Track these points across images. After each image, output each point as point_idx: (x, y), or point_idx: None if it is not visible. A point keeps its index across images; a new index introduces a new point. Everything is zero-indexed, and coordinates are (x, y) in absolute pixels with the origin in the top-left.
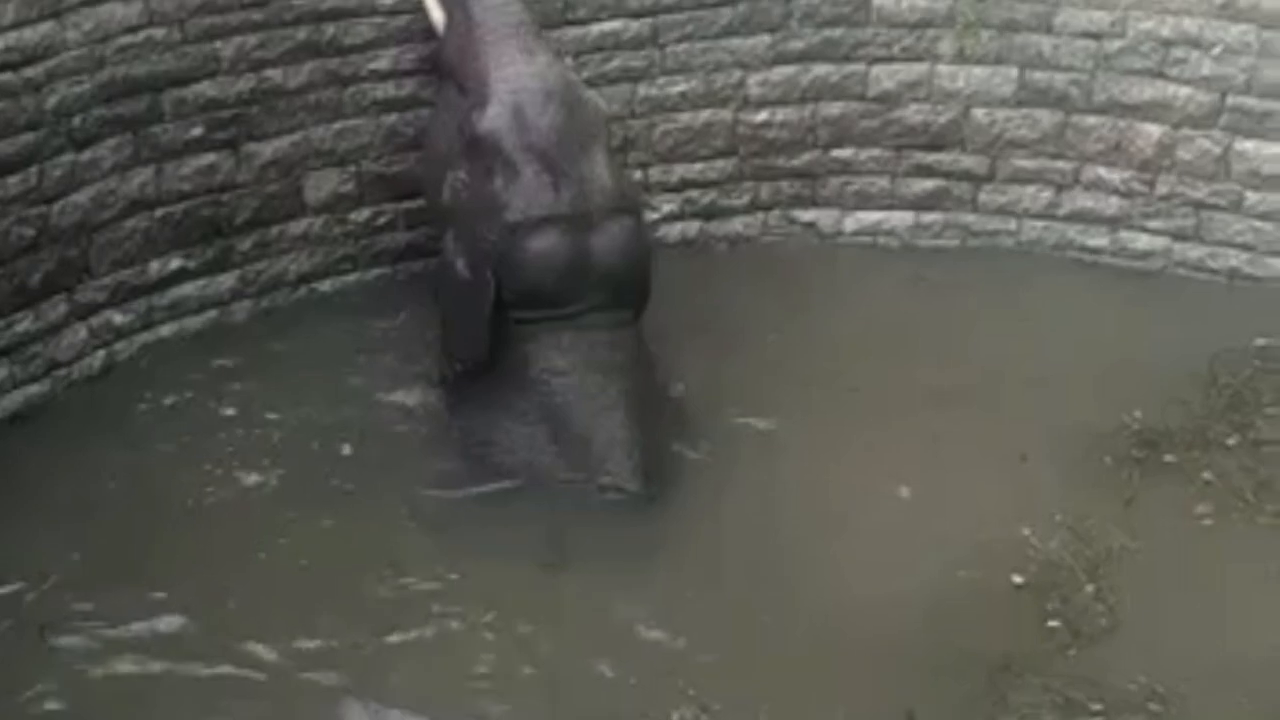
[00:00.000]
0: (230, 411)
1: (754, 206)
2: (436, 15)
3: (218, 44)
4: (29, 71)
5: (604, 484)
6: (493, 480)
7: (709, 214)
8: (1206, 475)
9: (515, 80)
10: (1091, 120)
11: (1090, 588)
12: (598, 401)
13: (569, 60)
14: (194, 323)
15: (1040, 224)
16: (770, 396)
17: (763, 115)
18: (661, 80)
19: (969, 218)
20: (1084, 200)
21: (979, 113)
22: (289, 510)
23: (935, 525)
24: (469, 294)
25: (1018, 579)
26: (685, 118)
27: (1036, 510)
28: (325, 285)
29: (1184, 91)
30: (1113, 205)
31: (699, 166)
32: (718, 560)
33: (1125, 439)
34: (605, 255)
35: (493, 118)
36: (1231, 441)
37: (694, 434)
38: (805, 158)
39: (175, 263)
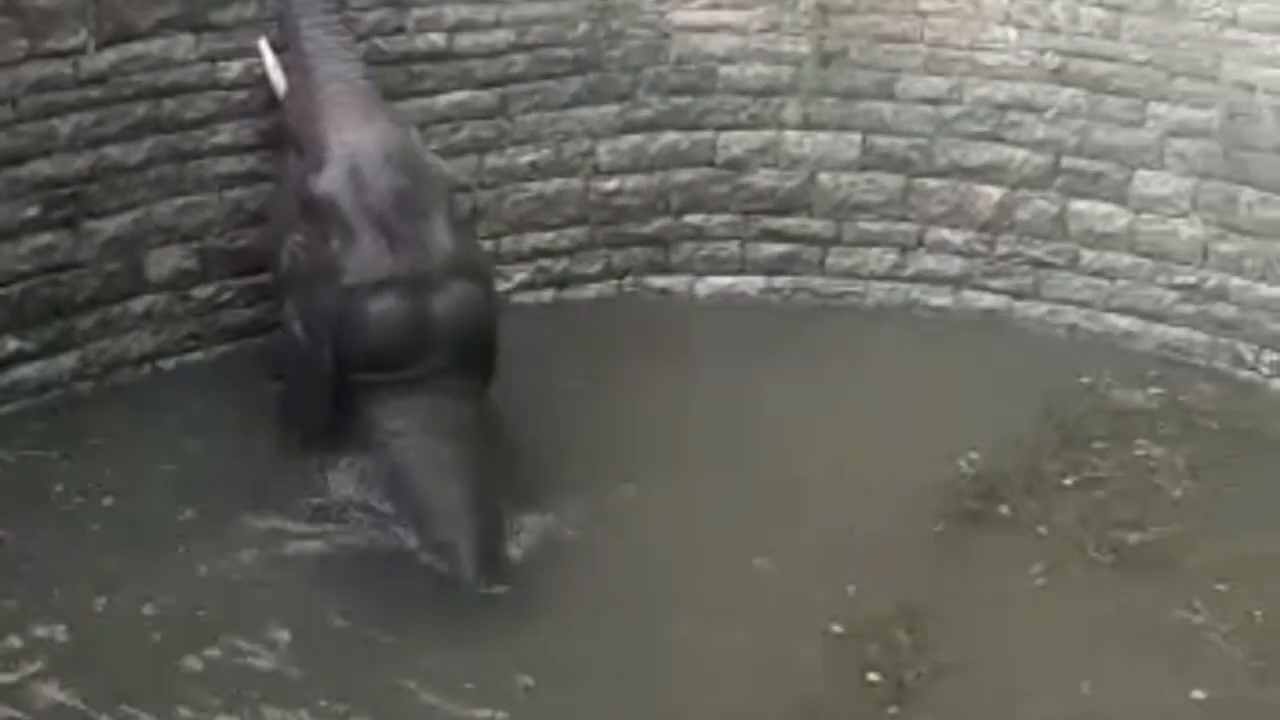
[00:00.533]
0: (60, 489)
1: (607, 274)
2: (278, 80)
3: (54, 121)
4: None
5: (441, 570)
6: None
7: (562, 282)
8: (1041, 529)
9: (353, 144)
10: (933, 183)
11: (909, 643)
12: (438, 468)
13: (414, 129)
14: (34, 403)
15: (887, 285)
16: (623, 462)
17: (613, 183)
18: (511, 150)
19: (818, 281)
20: (928, 261)
21: (825, 177)
22: (118, 571)
23: (773, 590)
24: (307, 358)
25: (837, 628)
26: (535, 187)
27: (868, 572)
28: (169, 363)
29: (1020, 154)
30: (956, 265)
31: (550, 235)
32: (565, 644)
33: (963, 488)
34: (445, 318)
35: (329, 180)
36: (1068, 481)
37: (546, 500)
38: (657, 224)
39: (13, 344)
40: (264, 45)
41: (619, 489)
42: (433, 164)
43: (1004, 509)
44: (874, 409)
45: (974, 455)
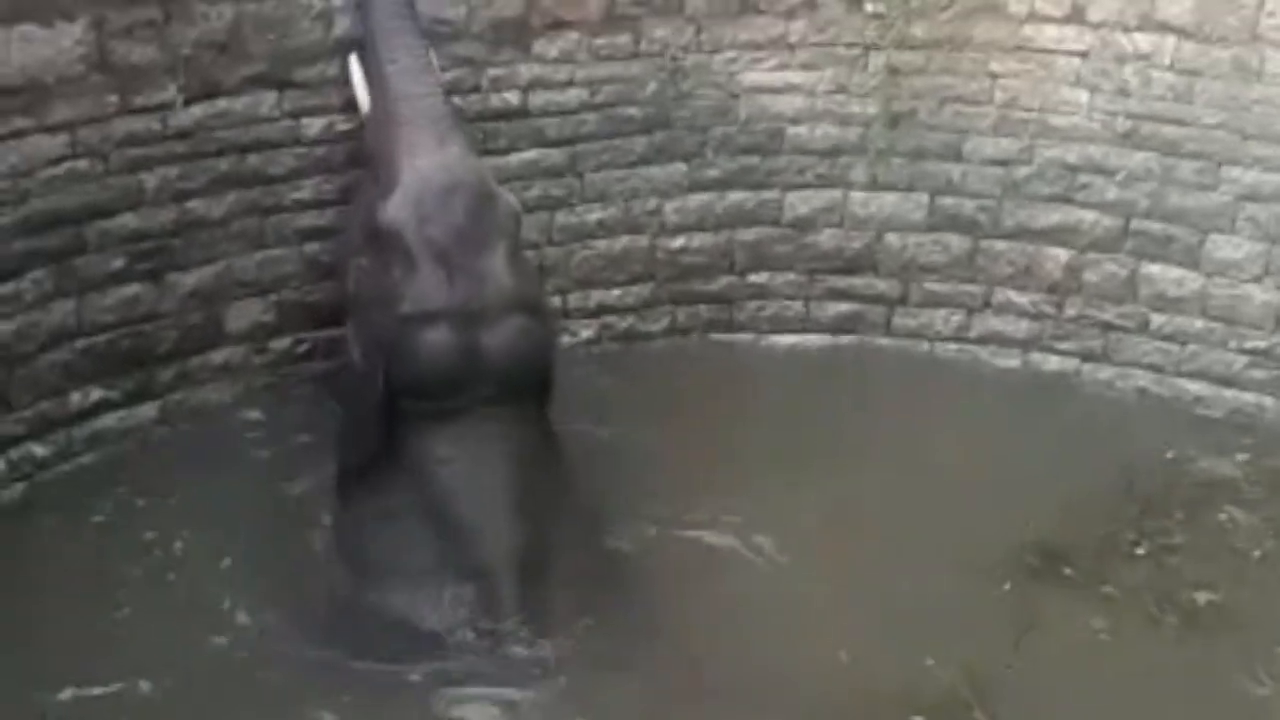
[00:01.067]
0: (149, 537)
1: (672, 330)
2: (363, 98)
3: (142, 175)
4: None
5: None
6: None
7: (627, 338)
8: (1108, 589)
9: (422, 172)
10: (1001, 245)
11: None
12: (482, 500)
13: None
14: (114, 452)
15: (953, 346)
16: (680, 516)
17: (680, 241)
18: (580, 208)
19: (883, 341)
20: (995, 323)
21: (891, 237)
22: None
23: (838, 652)
24: (362, 383)
25: (898, 687)
26: (603, 244)
27: (933, 632)
28: (248, 414)
29: (1090, 216)
30: (1023, 327)
31: (616, 292)
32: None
33: (1030, 550)
34: (497, 352)
35: (395, 208)
36: (1140, 551)
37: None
38: (722, 282)
39: (96, 394)
40: (353, 61)
41: (677, 541)
42: (500, 195)
43: (1072, 571)
44: (941, 469)
45: (1043, 517)
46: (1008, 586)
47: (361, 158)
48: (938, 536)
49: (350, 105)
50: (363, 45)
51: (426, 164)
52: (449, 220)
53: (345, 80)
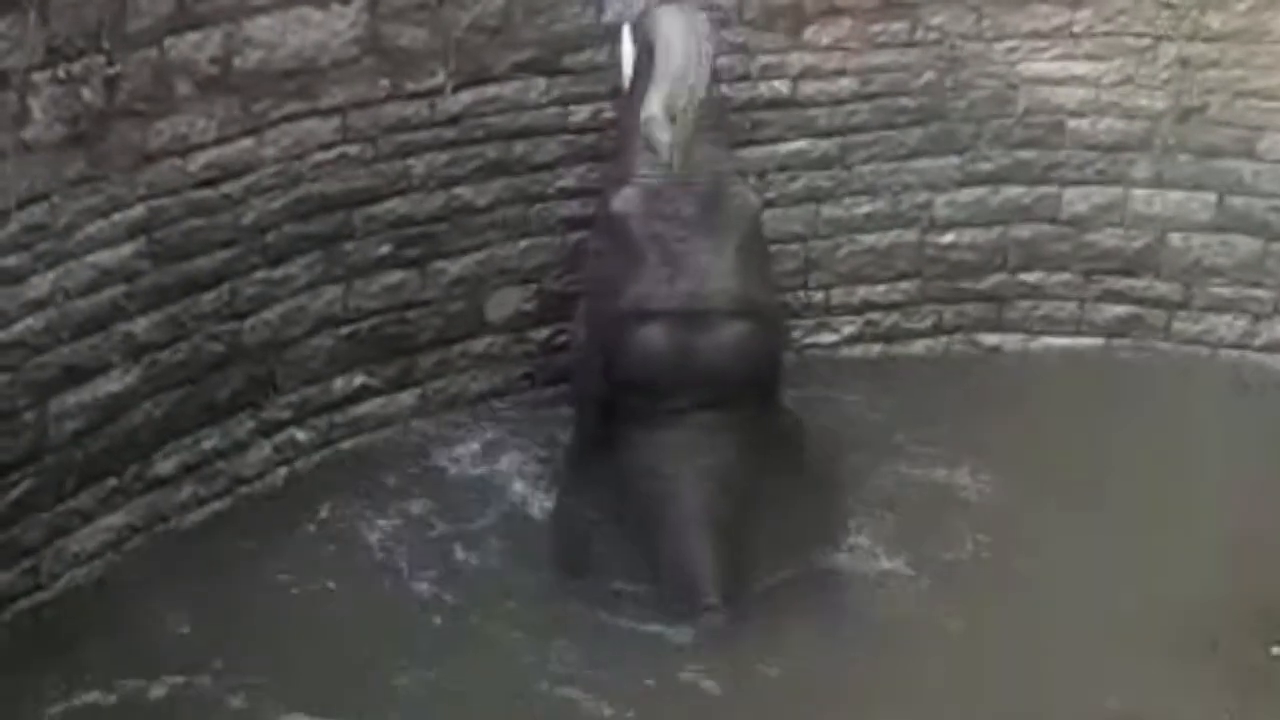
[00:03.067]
0: (398, 524)
1: (937, 330)
2: (627, 72)
3: (410, 161)
4: (227, 188)
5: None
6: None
7: (890, 337)
8: None
9: (659, 164)
10: None
11: None
12: (686, 503)
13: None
14: (373, 439)
15: (1236, 354)
16: (926, 526)
17: (949, 237)
18: (847, 200)
19: (1162, 345)
20: None
21: (1175, 238)
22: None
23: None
24: (584, 366)
25: None
26: (870, 239)
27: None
28: (503, 403)
29: None
30: None
31: (882, 288)
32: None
33: None
34: (711, 357)
35: (625, 199)
36: None
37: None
38: (992, 280)
39: (359, 380)
40: (627, 33)
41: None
42: (739, 193)
43: None
44: (1225, 494)
45: None
46: None
47: (614, 126)
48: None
49: (615, 93)
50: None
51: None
52: (678, 216)
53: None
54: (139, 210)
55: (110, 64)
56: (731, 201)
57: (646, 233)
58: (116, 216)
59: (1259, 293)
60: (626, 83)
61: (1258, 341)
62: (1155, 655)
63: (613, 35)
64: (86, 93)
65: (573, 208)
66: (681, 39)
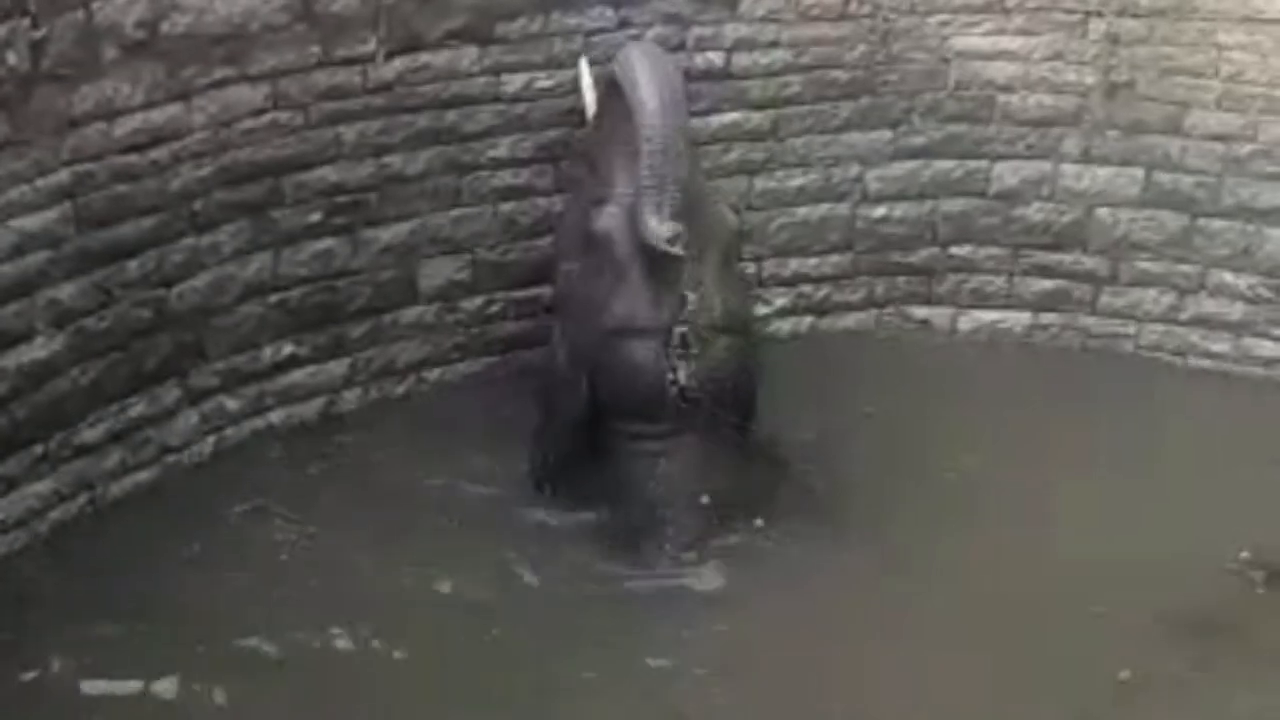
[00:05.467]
0: (330, 499)
1: (868, 303)
2: (590, 100)
3: (340, 129)
4: (154, 154)
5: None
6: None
7: (822, 310)
8: None
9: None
10: (1218, 224)
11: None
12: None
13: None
14: (303, 410)
15: (1161, 328)
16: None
17: (881, 210)
18: (780, 173)
19: (1088, 320)
20: (1208, 305)
21: (1103, 213)
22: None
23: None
24: (564, 387)
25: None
26: (802, 211)
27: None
28: (434, 374)
29: None
30: (1238, 311)
31: (814, 261)
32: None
33: (1245, 571)
34: (697, 375)
35: (609, 217)
36: None
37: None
38: (923, 254)
39: (288, 349)
40: (584, 64)
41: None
42: (719, 213)
43: None
44: (1147, 470)
45: (1259, 533)
46: (1223, 609)
47: (578, 156)
48: (1142, 550)
49: (551, 62)
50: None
51: None
52: None
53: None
54: (63, 175)
55: (35, 27)
56: (711, 219)
57: (630, 251)
58: (40, 182)
59: (1185, 268)
60: (590, 112)
61: (1183, 316)
62: None
63: (546, 5)
64: (11, 56)
65: (504, 178)
66: (654, 92)
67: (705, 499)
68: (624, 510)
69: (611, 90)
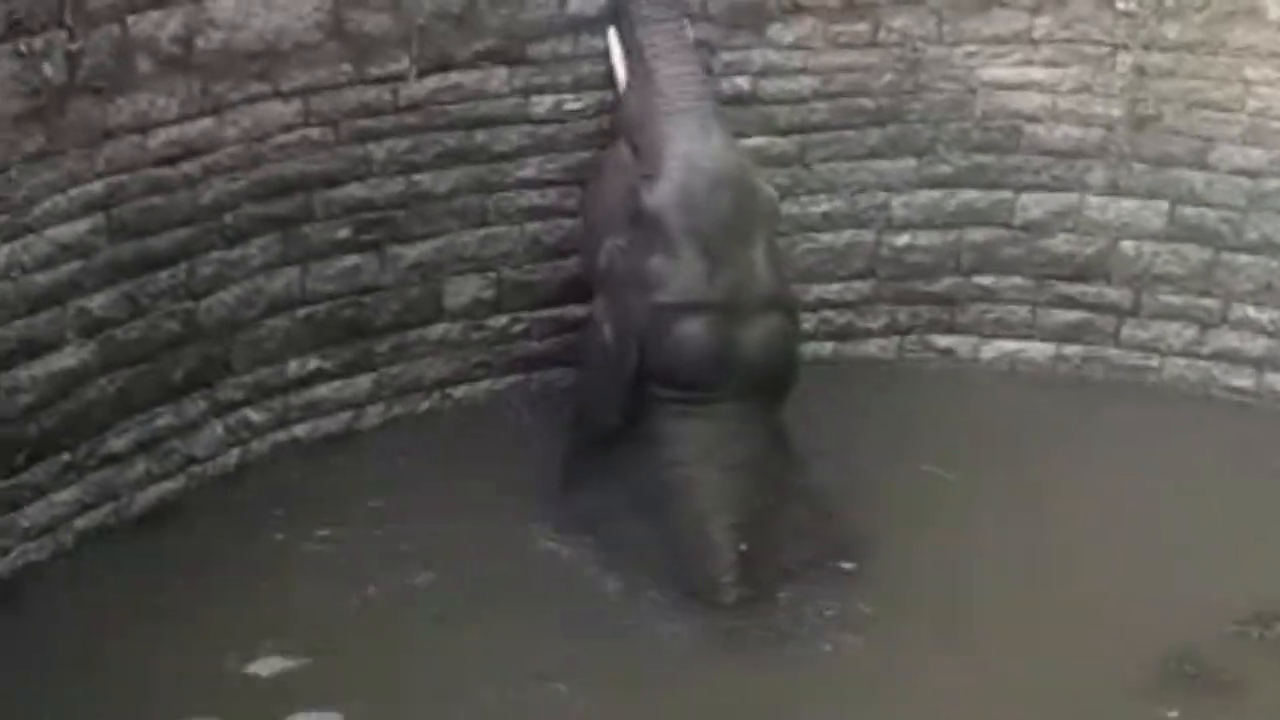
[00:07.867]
0: (356, 515)
1: (890, 330)
2: (620, 72)
3: (370, 146)
4: (186, 167)
5: (693, 591)
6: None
7: (844, 335)
8: None
9: (690, 159)
10: (1243, 258)
11: None
12: (713, 497)
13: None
14: (327, 424)
15: (1183, 361)
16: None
17: (905, 238)
18: (805, 199)
19: (1111, 352)
20: (1230, 339)
21: (1127, 245)
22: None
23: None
24: (612, 361)
25: None
26: (826, 238)
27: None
28: (459, 391)
29: None
30: (1260, 345)
31: (837, 287)
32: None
33: (1265, 613)
34: (750, 349)
35: (662, 194)
36: None
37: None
38: (946, 283)
39: (314, 363)
40: (612, 34)
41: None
42: (762, 188)
43: None
44: (1165, 507)
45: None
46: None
47: (617, 130)
48: (1160, 589)
49: (580, 84)
50: (620, 19)
51: (692, 152)
52: (714, 211)
53: (604, 54)
54: (97, 186)
55: (72, 39)
56: (756, 194)
57: (684, 226)
58: (74, 192)
59: (1207, 302)
60: (622, 80)
61: (1205, 350)
62: None
63: (577, 27)
64: (47, 68)
65: (531, 198)
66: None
67: (744, 546)
68: (661, 525)
69: (636, 60)
